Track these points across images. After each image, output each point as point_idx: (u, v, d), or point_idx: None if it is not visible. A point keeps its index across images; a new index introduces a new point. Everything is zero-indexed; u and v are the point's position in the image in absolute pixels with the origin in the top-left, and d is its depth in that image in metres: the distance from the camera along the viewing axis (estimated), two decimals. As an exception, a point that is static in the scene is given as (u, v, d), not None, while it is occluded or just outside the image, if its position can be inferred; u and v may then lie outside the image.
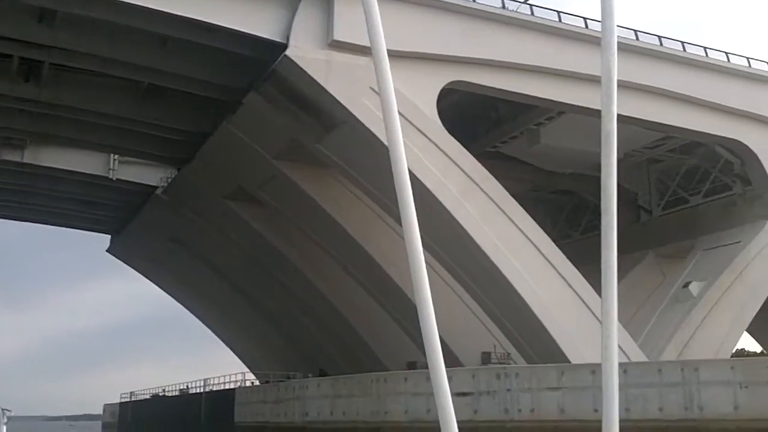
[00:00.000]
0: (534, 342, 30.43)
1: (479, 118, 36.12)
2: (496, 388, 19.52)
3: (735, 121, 34.41)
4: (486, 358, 35.32)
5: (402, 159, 2.28)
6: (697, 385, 17.58)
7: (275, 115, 29.82)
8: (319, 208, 33.90)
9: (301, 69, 27.15)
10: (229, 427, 33.64)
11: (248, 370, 48.85)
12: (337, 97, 27.50)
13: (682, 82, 33.27)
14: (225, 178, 36.56)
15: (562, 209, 45.55)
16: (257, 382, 41.92)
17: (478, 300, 32.03)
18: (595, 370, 18.81)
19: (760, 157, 34.64)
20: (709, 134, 34.25)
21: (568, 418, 18.51)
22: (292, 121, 29.70)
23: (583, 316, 29.98)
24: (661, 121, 33.23)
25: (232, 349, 58.04)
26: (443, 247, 31.03)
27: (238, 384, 39.17)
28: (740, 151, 35.17)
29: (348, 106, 27.70)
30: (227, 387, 39.39)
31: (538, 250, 30.06)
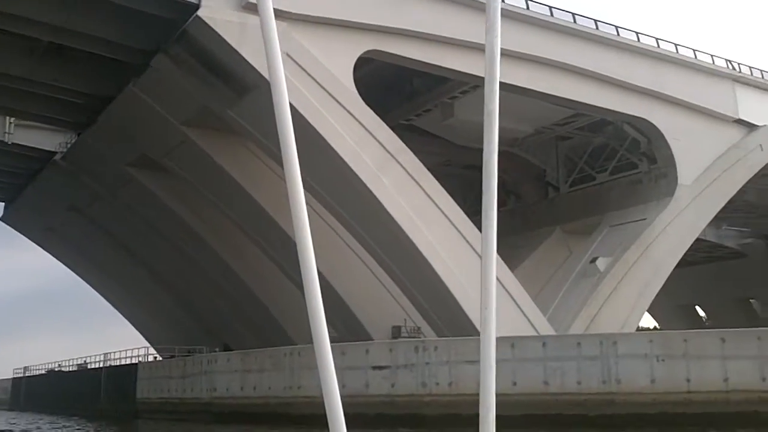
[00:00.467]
0: (446, 316, 30.36)
1: (394, 90, 35.63)
2: (414, 362, 19.21)
3: (643, 100, 35.05)
4: (396, 332, 35.12)
5: (288, 125, 2.17)
6: (615, 358, 17.72)
7: (185, 79, 28.51)
8: (228, 178, 32.81)
9: (213, 31, 25.95)
10: (130, 403, 32.39)
11: (149, 345, 47.32)
12: (251, 62, 26.42)
13: (594, 60, 33.61)
14: (129, 144, 34.91)
15: (473, 185, 45.62)
16: (160, 358, 40.59)
17: (391, 274, 31.71)
18: (514, 343, 18.75)
19: (666, 136, 35.43)
20: (618, 112, 34.80)
21: (486, 391, 18.34)
22: (203, 86, 28.45)
23: (495, 290, 30.07)
24: (573, 98, 33.53)
25: (133, 323, 56.15)
26: (357, 220, 30.55)
27: (140, 359, 37.78)
28: (647, 129, 35.89)
29: (262, 72, 26.68)
30: (129, 362, 37.93)
31: (453, 224, 29.92)
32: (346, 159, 28.10)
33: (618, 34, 34.56)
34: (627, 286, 33.73)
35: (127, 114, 32.22)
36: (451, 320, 29.94)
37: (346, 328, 36.27)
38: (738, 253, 64.90)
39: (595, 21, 33.93)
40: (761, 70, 39.12)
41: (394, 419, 18.80)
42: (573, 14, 33.44)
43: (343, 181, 29.14)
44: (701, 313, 74.08)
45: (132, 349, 39.49)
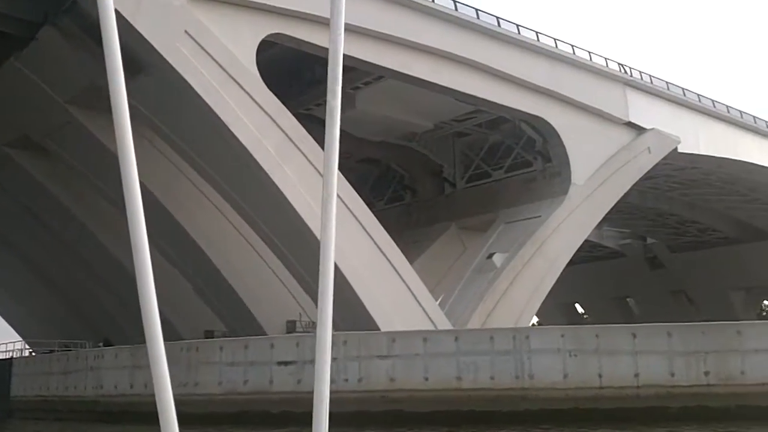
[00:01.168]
0: (344, 310, 29.63)
1: (294, 78, 34.64)
2: (321, 357, 18.37)
3: (540, 99, 35.45)
4: (291, 327, 34.25)
5: (124, 114, 1.97)
6: (528, 353, 17.52)
7: (73, 55, 26.64)
8: (116, 162, 30.80)
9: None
10: (3, 401, 30.04)
11: (21, 339, 44.39)
12: (147, 38, 24.92)
13: (495, 57, 33.71)
14: (7, 121, 32.41)
15: (368, 178, 45.20)
16: (34, 354, 38.02)
17: (290, 266, 30.78)
18: (427, 337, 18.27)
19: (561, 135, 35.96)
20: (516, 110, 35.04)
21: (397, 387, 17.82)
22: (92, 62, 26.58)
23: (395, 284, 29.72)
24: (474, 94, 33.52)
25: (3, 316, 52.62)
26: (256, 210, 29.50)
27: (14, 354, 35.21)
28: (543, 128, 36.33)
29: (159, 49, 25.22)
30: (1, 357, 35.28)
31: (355, 216, 29.27)
32: (247, 146, 26.99)
33: (519, 32, 34.77)
34: (522, 282, 34.01)
35: (7, 90, 29.86)
36: (350, 315, 29.24)
37: (237, 322, 35.07)
38: (617, 253, 67.35)
39: (497, 18, 34.06)
40: (650, 75, 40.36)
41: (300, 417, 17.87)
42: (476, 10, 33.38)
43: (243, 170, 28.00)
44: (580, 310, 76.65)
45: (5, 344, 36.82)
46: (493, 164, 40.13)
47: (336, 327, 29.62)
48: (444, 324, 29.76)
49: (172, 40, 25.19)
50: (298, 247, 29.27)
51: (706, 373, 16.96)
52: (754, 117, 45.67)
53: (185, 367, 20.16)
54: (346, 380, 18.13)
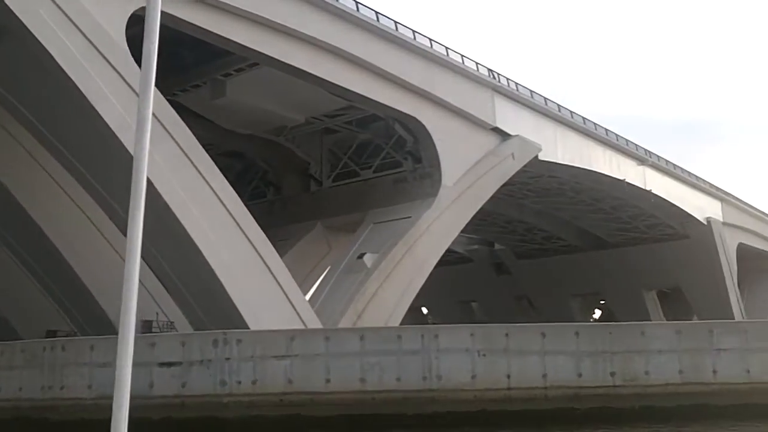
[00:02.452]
0: (211, 308, 27.90)
1: (161, 59, 32.26)
2: (212, 357, 16.77)
3: (415, 99, 35.13)
4: (147, 327, 32.08)
5: None
6: (437, 352, 16.74)
7: None
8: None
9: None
10: None
11: None
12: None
13: (373, 52, 33.03)
14: None
15: (229, 172, 43.17)
16: None
17: (153, 261, 28.57)
18: (330, 336, 17.09)
19: (433, 137, 35.78)
20: (391, 108, 34.49)
21: (296, 390, 16.51)
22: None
23: (266, 282, 28.28)
24: (351, 88, 32.63)
25: None
26: (119, 199, 27.05)
27: None
28: (416, 128, 35.99)
29: (17, 11, 22.53)
30: None
31: (227, 209, 27.58)
32: (113, 127, 24.68)
33: (397, 29, 34.26)
34: (392, 283, 33.45)
35: None
36: (215, 312, 27.52)
37: (86, 321, 32.34)
38: (465, 258, 68.61)
39: (377, 12, 33.35)
40: (516, 83, 41.05)
41: (184, 423, 16.25)
42: (356, 2, 32.56)
43: (107, 153, 25.62)
44: (425, 312, 77.53)
45: None
46: (362, 163, 39.40)
47: (201, 324, 27.88)
48: (315, 324, 28.62)
49: (32, 4, 22.62)
50: (164, 240, 27.17)
51: (612, 374, 16.90)
52: (606, 129, 47.63)
53: (48, 369, 17.82)
54: (239, 382, 16.61)
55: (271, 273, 28.57)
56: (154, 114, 26.13)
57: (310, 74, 31.16)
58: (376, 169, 38.59)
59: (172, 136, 26.29)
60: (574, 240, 62.90)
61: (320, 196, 40.16)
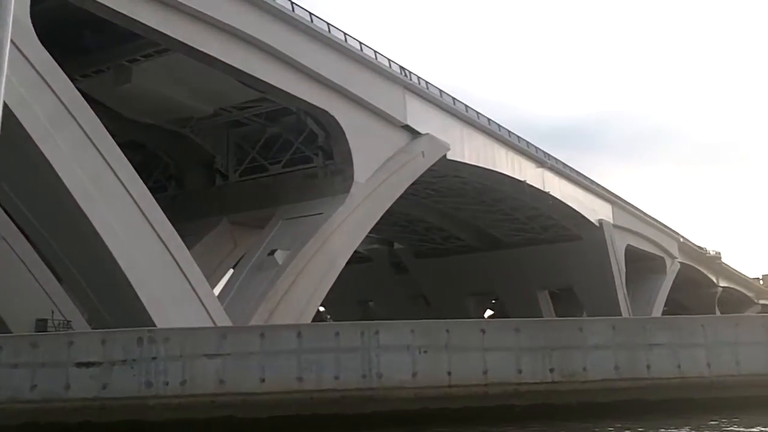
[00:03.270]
0: (116, 306, 26.40)
1: (63, 40, 30.30)
2: (137, 356, 15.59)
3: (328, 93, 34.48)
4: (42, 326, 30.13)
5: None
6: (377, 349, 16.16)
7: None
8: None
9: None
10: None
11: None
12: None
13: (288, 43, 32.16)
14: None
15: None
16: None
17: (51, 254, 26.85)
18: (265, 332, 16.22)
19: (346, 133, 35.21)
20: (304, 101, 33.70)
21: (228, 390, 15.57)
22: None
23: (176, 279, 27.02)
24: (265, 79, 31.64)
25: None
26: (15, 187, 25.23)
27: None
28: (328, 123, 35.35)
29: None
30: None
31: (134, 199, 26.11)
32: (13, 108, 22.85)
33: (312, 21, 33.52)
34: (304, 281, 32.68)
35: None
36: (124, 311, 26.02)
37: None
38: (364, 257, 68.26)
39: (292, 3, 32.50)
40: (426, 81, 41.00)
41: (105, 428, 15.05)
42: (273, -9, 31.59)
43: (5, 138, 23.71)
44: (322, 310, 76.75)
45: None
46: (270, 158, 38.35)
47: (104, 323, 26.25)
48: (225, 323, 27.54)
49: None
50: (64, 232, 25.53)
51: (551, 370, 16.81)
52: (508, 131, 48.31)
53: None
54: (167, 383, 15.50)
55: (181, 270, 27.31)
56: (57, 95, 24.36)
57: (223, 63, 30.02)
58: (286, 164, 37.65)
59: (76, 119, 24.69)
60: (472, 240, 63.66)
61: (226, 191, 38.85)
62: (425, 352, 16.34)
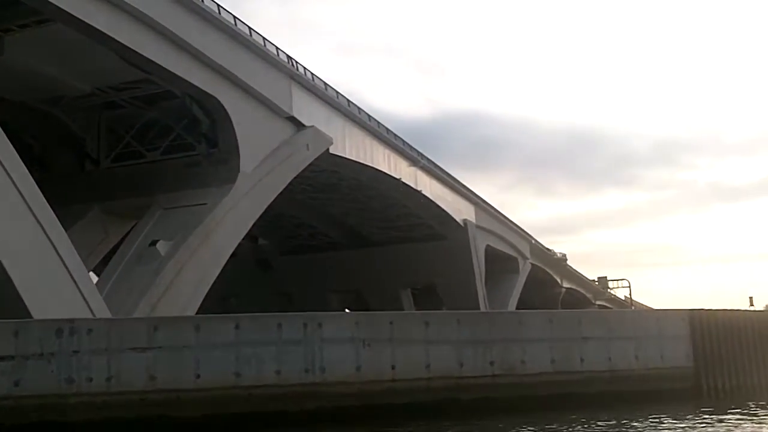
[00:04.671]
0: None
1: None
2: (56, 350, 13.93)
3: (216, 78, 33.07)
4: None
5: None
6: (320, 342, 15.31)
7: None
8: None
9: None
10: None
11: None
12: None
13: (177, 23, 30.54)
14: None
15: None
16: None
17: None
18: (199, 324, 14.98)
19: (234, 121, 33.85)
20: (192, 84, 32.07)
21: (160, 387, 14.24)
22: None
23: (56, 268, 24.91)
24: (153, 59, 29.81)
25: None
26: None
27: None
28: (215, 110, 33.85)
29: None
30: None
31: (13, 182, 23.88)
32: None
33: (203, 1, 31.94)
34: (189, 273, 31.16)
35: None
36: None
37: None
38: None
39: (184, -19, 30.80)
40: (312, 73, 40.23)
41: (19, 429, 13.33)
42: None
43: None
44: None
45: None
46: (147, 144, 36.24)
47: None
48: (105, 314, 25.68)
49: None
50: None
51: (492, 363, 16.60)
52: (387, 128, 48.33)
53: None
54: (91, 380, 13.95)
55: (61, 258, 25.22)
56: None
57: (110, 38, 27.97)
58: (165, 151, 35.69)
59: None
60: (339, 237, 63.32)
61: (97, 177, 36.37)
62: (369, 345, 15.72)
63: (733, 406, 17.51)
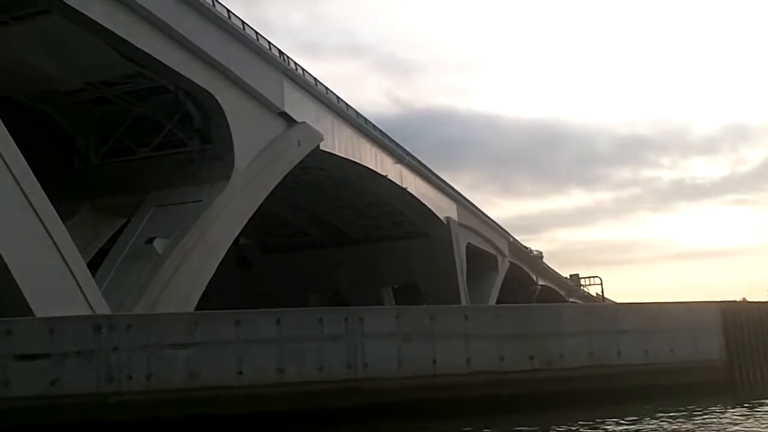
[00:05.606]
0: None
1: None
2: (94, 347, 13.36)
3: (211, 72, 32.54)
4: None
5: None
6: (362, 337, 14.93)
7: None
8: None
9: None
10: None
11: None
12: None
13: (173, 16, 30.00)
14: None
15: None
16: None
17: None
18: (241, 319, 14.51)
19: (228, 117, 33.33)
20: (189, 79, 31.52)
21: (201, 384, 13.75)
22: None
23: (57, 265, 24.24)
24: (150, 53, 29.19)
25: None
26: None
27: None
28: (209, 105, 33.32)
29: None
30: None
31: (14, 177, 23.19)
32: None
33: (198, -6, 31.34)
34: (186, 271, 30.59)
35: None
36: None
37: None
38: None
39: (179, -27, 30.20)
40: (303, 68, 39.79)
41: (56, 430, 12.76)
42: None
43: None
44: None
45: None
46: (137, 140, 35.52)
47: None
48: (105, 311, 25.05)
49: None
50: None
51: (531, 358, 16.36)
52: (373, 125, 48.04)
53: None
54: (131, 378, 13.42)
55: (61, 254, 24.54)
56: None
57: (107, 30, 27.33)
58: (156, 147, 35.00)
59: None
60: (320, 236, 62.84)
61: (86, 174, 35.55)
62: (410, 339, 15.38)
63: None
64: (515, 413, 15.34)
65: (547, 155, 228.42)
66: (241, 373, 14.03)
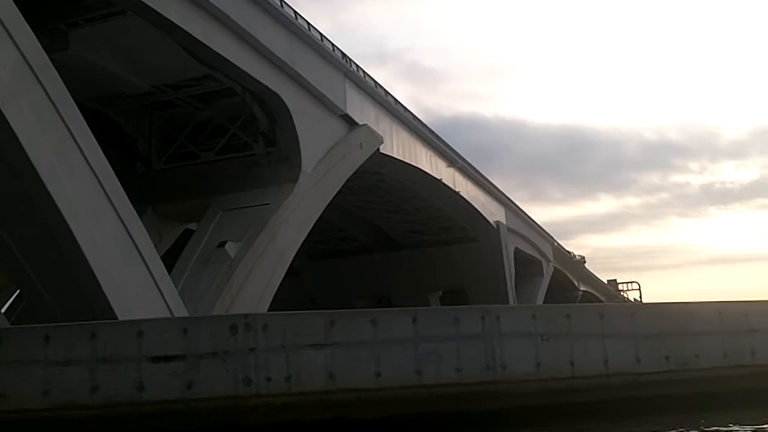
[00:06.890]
0: (69, 295, 22.75)
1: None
2: (230, 348, 12.75)
3: (278, 74, 32.09)
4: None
5: None
6: (499, 337, 14.25)
7: None
8: None
9: None
10: None
11: None
12: None
13: (244, 16, 29.61)
14: None
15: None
16: None
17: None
18: (376, 318, 13.86)
19: (295, 119, 32.84)
20: (258, 81, 31.09)
21: (339, 387, 13.13)
22: None
23: (138, 268, 23.82)
24: (223, 54, 28.77)
25: None
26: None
27: None
28: (276, 108, 32.83)
29: None
30: None
31: (97, 177, 22.76)
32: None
33: (266, -7, 30.95)
34: (258, 274, 30.14)
35: None
36: (76, 302, 22.45)
37: None
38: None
39: (248, -27, 29.80)
40: (364, 70, 39.31)
41: (195, 437, 12.19)
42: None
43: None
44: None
45: None
46: (200, 144, 35.12)
47: (52, 317, 22.55)
48: (184, 314, 24.56)
49: None
50: (20, 214, 21.76)
51: (667, 358, 15.63)
52: (429, 128, 47.47)
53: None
54: (269, 380, 12.80)
55: (143, 258, 24.11)
56: (21, 51, 20.70)
57: (183, 31, 26.97)
58: (220, 151, 34.57)
59: (40, 81, 21.18)
60: (368, 241, 62.23)
61: (149, 179, 35.17)
62: (547, 339, 14.67)
63: None
64: (656, 415, 14.57)
65: (576, 161, 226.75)
66: (379, 374, 13.37)
